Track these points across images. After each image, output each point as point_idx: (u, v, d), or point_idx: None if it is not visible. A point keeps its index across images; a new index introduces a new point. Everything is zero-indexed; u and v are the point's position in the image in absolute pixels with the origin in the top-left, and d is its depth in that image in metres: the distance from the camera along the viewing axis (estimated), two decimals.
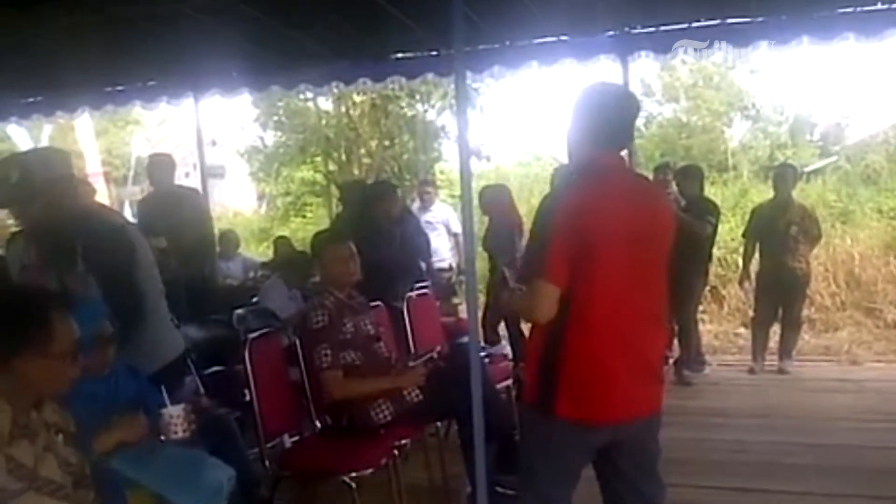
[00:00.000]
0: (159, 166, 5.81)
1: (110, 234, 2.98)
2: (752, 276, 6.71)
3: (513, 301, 2.54)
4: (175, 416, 2.49)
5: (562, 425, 2.29)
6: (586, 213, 2.22)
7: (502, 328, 6.28)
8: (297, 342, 3.72)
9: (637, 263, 2.28)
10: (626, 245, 2.25)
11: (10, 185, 2.91)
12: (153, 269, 3.18)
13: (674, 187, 6.26)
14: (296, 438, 3.80)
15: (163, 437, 2.53)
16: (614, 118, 2.35)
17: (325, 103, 16.55)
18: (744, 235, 6.76)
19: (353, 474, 3.26)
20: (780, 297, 6.43)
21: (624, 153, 2.55)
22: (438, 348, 4.03)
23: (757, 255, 6.53)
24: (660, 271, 2.41)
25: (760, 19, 5.19)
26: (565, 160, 2.64)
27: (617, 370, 2.27)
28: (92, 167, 12.36)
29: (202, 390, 4.03)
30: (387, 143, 16.52)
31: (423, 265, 6.30)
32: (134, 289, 2.96)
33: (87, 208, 3.09)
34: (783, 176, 6.50)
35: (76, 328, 2.01)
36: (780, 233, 6.24)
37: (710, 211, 6.13)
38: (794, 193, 6.54)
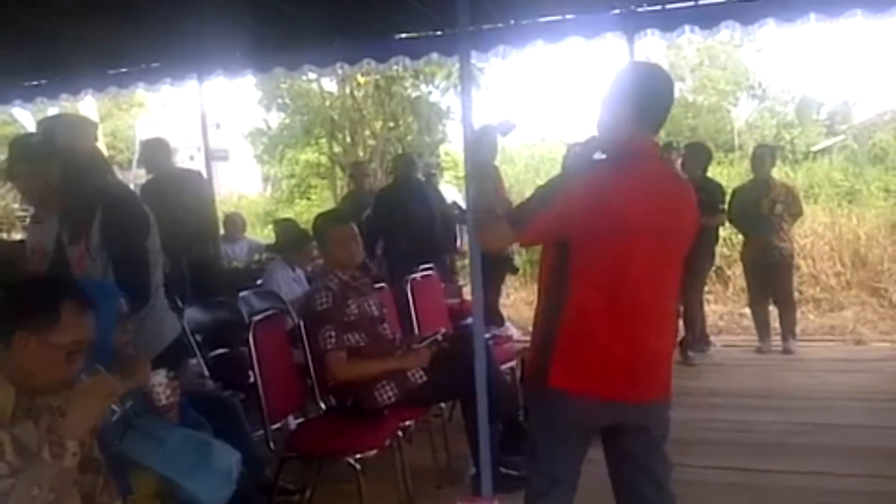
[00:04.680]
0: (154, 150, 5.76)
1: (132, 209, 2.99)
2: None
3: (484, 215, 2.50)
4: (158, 384, 2.48)
5: (557, 397, 2.28)
6: (613, 195, 2.18)
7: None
8: (302, 324, 3.73)
9: (656, 254, 2.26)
10: (648, 234, 2.22)
11: (32, 146, 2.92)
12: (160, 253, 3.20)
13: (678, 168, 6.23)
14: (300, 420, 3.82)
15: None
16: (659, 100, 2.31)
17: (329, 84, 16.53)
18: (730, 220, 6.54)
19: (358, 455, 3.27)
20: (768, 278, 6.43)
21: None
22: (443, 330, 4.02)
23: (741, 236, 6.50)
24: (677, 264, 2.40)
25: None
26: (571, 141, 2.60)
27: (618, 351, 2.25)
28: None
29: (207, 373, 4.04)
30: (391, 124, 16.48)
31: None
32: (146, 267, 2.97)
33: (109, 181, 3.08)
34: (761, 157, 6.47)
35: (90, 331, 1.99)
36: (765, 213, 6.22)
37: (716, 195, 6.06)
38: (786, 173, 6.52)
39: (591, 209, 2.17)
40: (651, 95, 2.30)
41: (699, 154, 6.27)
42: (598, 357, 2.26)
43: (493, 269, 6.32)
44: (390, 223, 6.30)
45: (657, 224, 2.24)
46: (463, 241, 7.56)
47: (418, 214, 6.28)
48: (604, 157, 2.37)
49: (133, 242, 2.95)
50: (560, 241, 2.24)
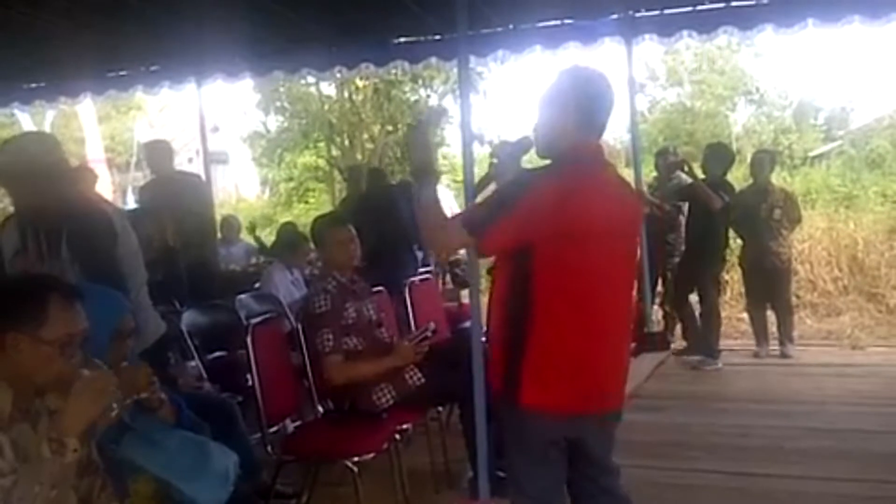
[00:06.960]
0: (157, 152, 5.79)
1: (94, 222, 3.00)
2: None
3: (432, 216, 2.34)
4: None
5: (529, 415, 2.23)
6: (568, 202, 2.15)
7: None
8: (300, 327, 3.72)
9: (612, 258, 2.26)
10: (604, 239, 2.21)
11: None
12: (136, 258, 3.22)
13: (680, 174, 6.26)
14: (298, 423, 3.82)
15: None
16: (601, 105, 2.30)
17: (328, 88, 16.53)
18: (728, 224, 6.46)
19: (356, 459, 3.26)
20: (767, 282, 6.44)
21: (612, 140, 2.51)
22: (432, 325, 3.94)
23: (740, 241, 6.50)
24: (631, 267, 2.41)
25: (765, 1, 5.16)
26: (500, 141, 2.59)
27: (589, 360, 2.23)
28: (94, 153, 12.35)
29: (205, 375, 4.04)
30: (389, 128, 16.49)
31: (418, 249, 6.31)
32: (118, 275, 2.98)
33: (74, 196, 3.09)
34: (761, 162, 6.46)
35: (81, 322, 1.98)
36: (764, 218, 6.23)
37: (725, 189, 5.97)
38: (784, 178, 6.53)
39: (551, 215, 2.13)
40: (593, 101, 2.28)
41: (722, 156, 6.19)
42: (570, 367, 2.21)
43: None
44: None
45: (610, 228, 2.24)
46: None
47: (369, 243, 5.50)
48: (547, 163, 2.34)
49: (102, 254, 2.96)
50: (520, 248, 2.19)
